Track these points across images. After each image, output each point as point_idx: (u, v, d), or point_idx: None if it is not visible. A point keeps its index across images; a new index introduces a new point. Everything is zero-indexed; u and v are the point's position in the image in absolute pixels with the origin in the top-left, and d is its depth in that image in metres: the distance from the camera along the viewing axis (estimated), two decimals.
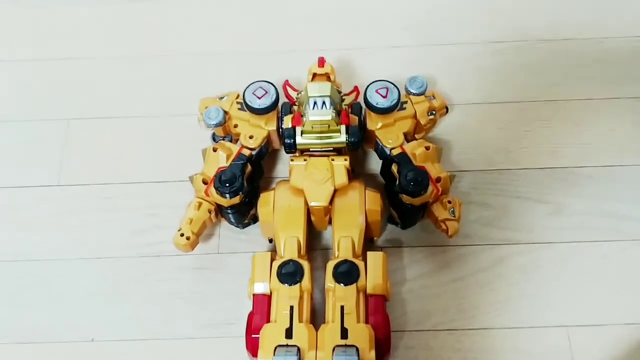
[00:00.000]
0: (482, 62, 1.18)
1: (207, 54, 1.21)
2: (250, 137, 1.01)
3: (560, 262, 0.99)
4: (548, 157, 1.08)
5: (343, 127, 0.95)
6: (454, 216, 0.95)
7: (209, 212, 0.96)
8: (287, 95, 1.06)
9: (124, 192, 1.07)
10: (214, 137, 1.07)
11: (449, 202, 0.96)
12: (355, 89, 1.07)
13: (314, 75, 1.01)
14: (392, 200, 0.98)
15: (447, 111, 1.07)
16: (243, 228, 1.02)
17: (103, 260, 1.01)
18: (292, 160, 0.96)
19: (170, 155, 1.10)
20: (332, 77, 1.01)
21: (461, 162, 1.08)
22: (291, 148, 0.95)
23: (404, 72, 1.15)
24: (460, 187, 1.05)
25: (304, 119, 0.94)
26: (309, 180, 0.93)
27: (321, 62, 1.01)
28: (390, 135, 1.00)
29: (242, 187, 0.94)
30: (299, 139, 0.95)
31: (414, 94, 1.04)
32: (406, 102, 1.03)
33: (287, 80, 1.07)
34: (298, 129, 0.95)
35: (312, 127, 0.94)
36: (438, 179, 0.96)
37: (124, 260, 1.01)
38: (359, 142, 0.95)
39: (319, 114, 0.93)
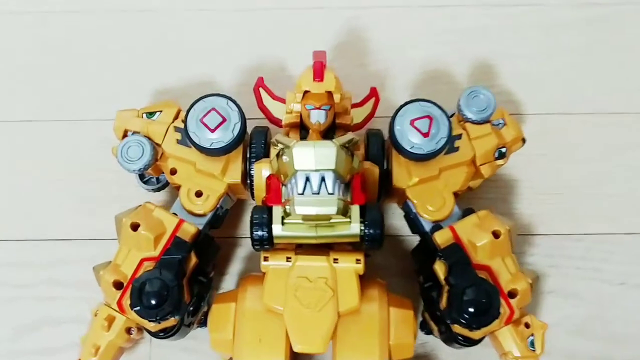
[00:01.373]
0: (581, 37, 0.74)
1: (137, 10, 0.76)
2: (198, 195, 0.60)
3: None
4: None
5: (356, 210, 0.54)
6: (533, 349, 0.57)
7: (128, 332, 0.58)
8: (262, 107, 0.64)
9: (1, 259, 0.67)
10: (142, 177, 0.66)
11: (527, 325, 0.58)
12: (372, 93, 0.65)
13: (306, 94, 0.58)
14: (431, 309, 0.60)
15: (523, 143, 0.65)
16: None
17: None
18: (265, 258, 0.56)
19: (76, 195, 0.69)
20: (336, 97, 0.58)
21: (534, 219, 0.68)
22: (264, 244, 0.55)
23: (453, 54, 0.73)
24: (532, 262, 0.67)
25: (288, 206, 0.53)
26: (295, 302, 0.54)
27: (318, 70, 0.57)
28: (431, 197, 0.60)
29: (178, 307, 0.55)
30: (278, 231, 0.54)
31: (472, 122, 0.62)
32: (460, 137, 0.62)
33: (261, 79, 0.65)
34: (277, 212, 0.54)
35: (300, 219, 0.53)
36: (512, 293, 0.57)
37: None
38: (382, 236, 0.54)
39: (313, 205, 0.51)
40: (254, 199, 0.62)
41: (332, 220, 0.53)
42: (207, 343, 0.60)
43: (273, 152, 0.58)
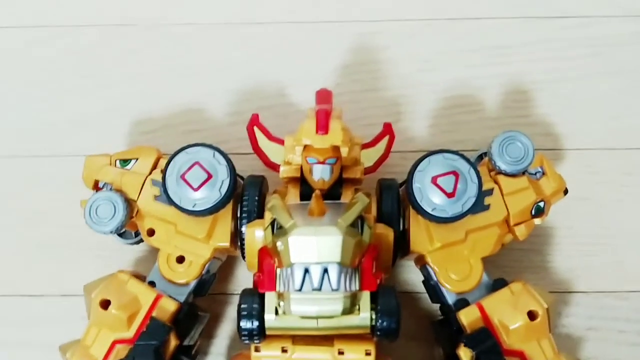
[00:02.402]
0: (636, 56, 0.63)
1: (112, 24, 0.65)
2: (179, 261, 0.51)
3: None
4: None
5: (366, 298, 0.45)
6: None
7: None
8: (257, 150, 0.54)
9: None
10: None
11: None
12: (386, 129, 0.56)
13: (306, 149, 0.49)
14: None
15: (565, 194, 0.55)
16: None
17: None
18: (256, 348, 0.47)
19: (45, 243, 0.60)
20: (343, 151, 0.49)
21: (572, 273, 0.59)
22: (254, 338, 0.46)
23: (481, 78, 0.63)
24: (568, 324, 0.57)
25: (283, 302, 0.44)
26: None
27: (322, 122, 0.47)
28: (455, 263, 0.51)
29: None
30: (272, 322, 0.45)
31: (506, 174, 0.52)
32: (490, 192, 0.52)
33: (255, 117, 0.55)
34: (270, 300, 0.45)
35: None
36: None
37: None
38: (398, 328, 0.45)
39: (313, 305, 0.42)
40: (244, 260, 0.53)
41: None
42: None
43: (268, 216, 0.49)
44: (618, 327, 0.58)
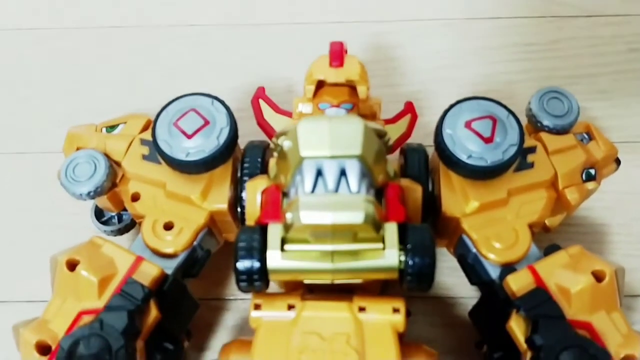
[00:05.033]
0: None
1: (112, 26, 0.62)
2: (167, 228, 0.43)
3: None
4: None
5: (392, 230, 0.36)
6: None
7: None
8: (262, 123, 0.48)
9: None
10: (99, 216, 0.50)
11: None
12: (407, 108, 0.49)
13: (320, 85, 0.43)
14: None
15: (618, 165, 0.48)
16: None
17: None
18: (256, 306, 0.37)
19: (17, 246, 0.53)
20: (361, 90, 0.42)
21: (632, 275, 0.49)
22: (254, 281, 0.37)
23: (512, 73, 0.59)
24: None
25: (290, 212, 0.35)
26: None
27: (337, 52, 0.42)
28: (498, 229, 0.42)
29: None
30: (276, 260, 0.36)
31: (549, 130, 0.45)
32: (533, 149, 0.45)
33: (261, 89, 0.49)
34: (274, 232, 0.36)
35: (309, 234, 0.35)
36: None
37: None
38: (433, 269, 0.36)
39: (327, 209, 0.34)
40: None
41: (356, 247, 0.35)
42: None
43: (272, 162, 0.42)
44: None
